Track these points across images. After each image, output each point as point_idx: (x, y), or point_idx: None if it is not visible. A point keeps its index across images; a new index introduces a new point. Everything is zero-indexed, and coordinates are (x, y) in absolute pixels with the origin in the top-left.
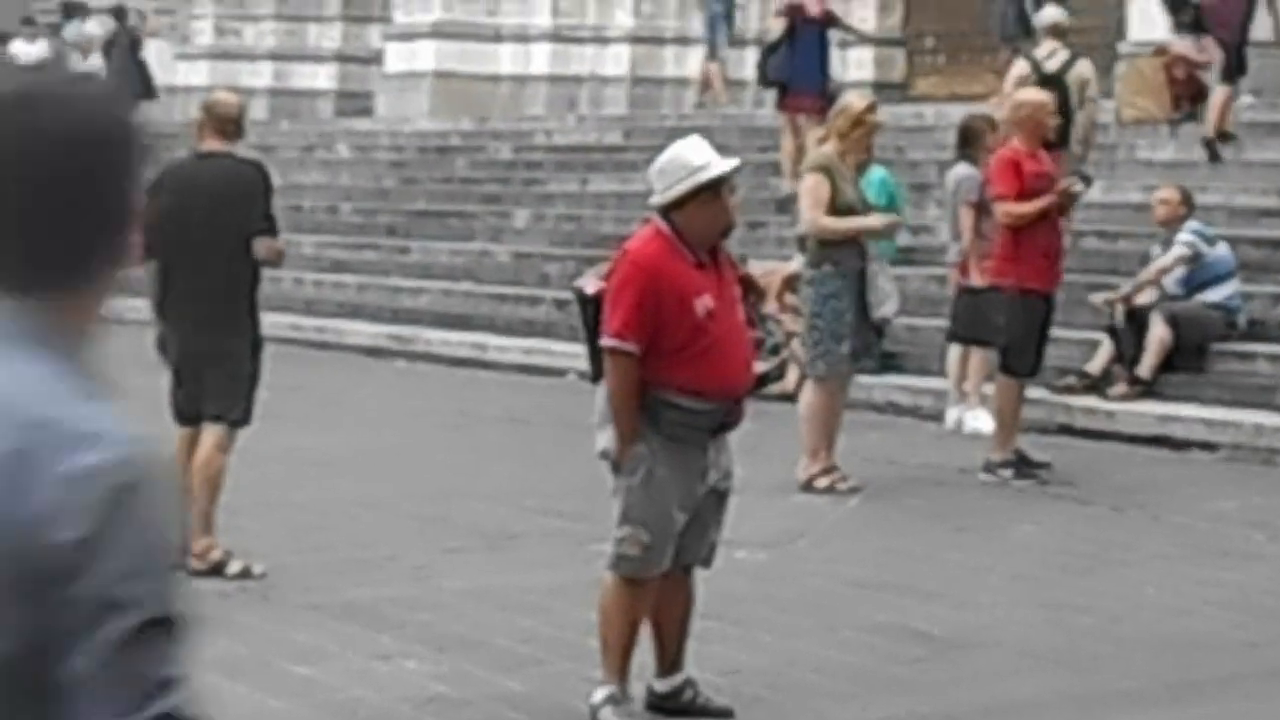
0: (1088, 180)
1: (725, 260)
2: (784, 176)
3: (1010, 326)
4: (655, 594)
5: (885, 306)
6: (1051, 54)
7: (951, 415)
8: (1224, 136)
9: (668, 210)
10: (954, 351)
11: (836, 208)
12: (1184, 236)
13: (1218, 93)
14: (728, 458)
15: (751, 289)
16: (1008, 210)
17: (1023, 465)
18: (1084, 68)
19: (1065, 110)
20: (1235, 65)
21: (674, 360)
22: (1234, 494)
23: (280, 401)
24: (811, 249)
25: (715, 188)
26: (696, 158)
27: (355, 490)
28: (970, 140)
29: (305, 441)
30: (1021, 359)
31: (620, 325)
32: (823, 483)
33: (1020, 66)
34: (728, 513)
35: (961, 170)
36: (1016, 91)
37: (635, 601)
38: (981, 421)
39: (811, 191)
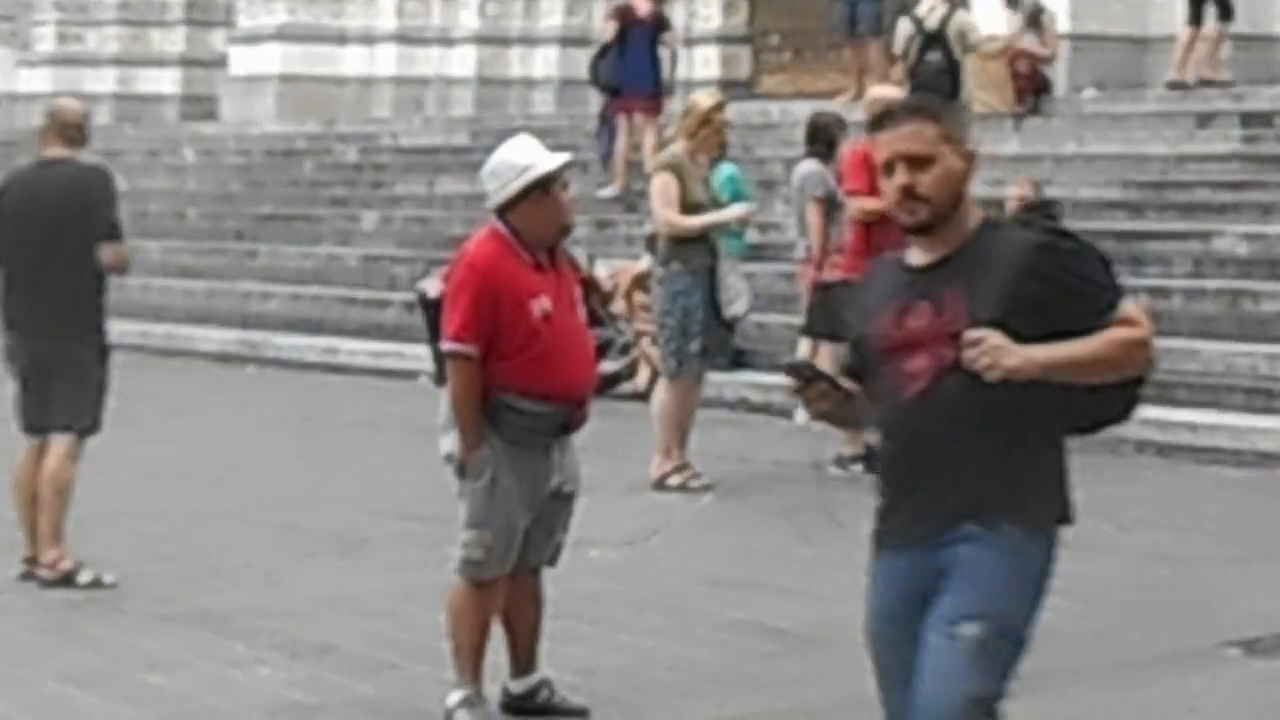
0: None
1: (564, 261)
2: (616, 177)
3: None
4: (503, 595)
5: (736, 304)
6: (931, 10)
7: (801, 412)
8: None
9: (503, 211)
10: (804, 346)
11: (686, 207)
12: None
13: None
14: (573, 460)
15: (594, 289)
16: (859, 205)
17: (873, 460)
18: (962, 18)
19: (951, 64)
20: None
21: (513, 363)
22: (1082, 484)
23: (129, 409)
24: (661, 248)
25: (545, 186)
26: (523, 157)
27: (207, 498)
28: (817, 136)
29: (155, 449)
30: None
31: (458, 328)
32: (675, 481)
33: (904, 26)
34: (575, 514)
35: (807, 166)
36: (871, 89)
37: (483, 603)
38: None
39: (661, 191)
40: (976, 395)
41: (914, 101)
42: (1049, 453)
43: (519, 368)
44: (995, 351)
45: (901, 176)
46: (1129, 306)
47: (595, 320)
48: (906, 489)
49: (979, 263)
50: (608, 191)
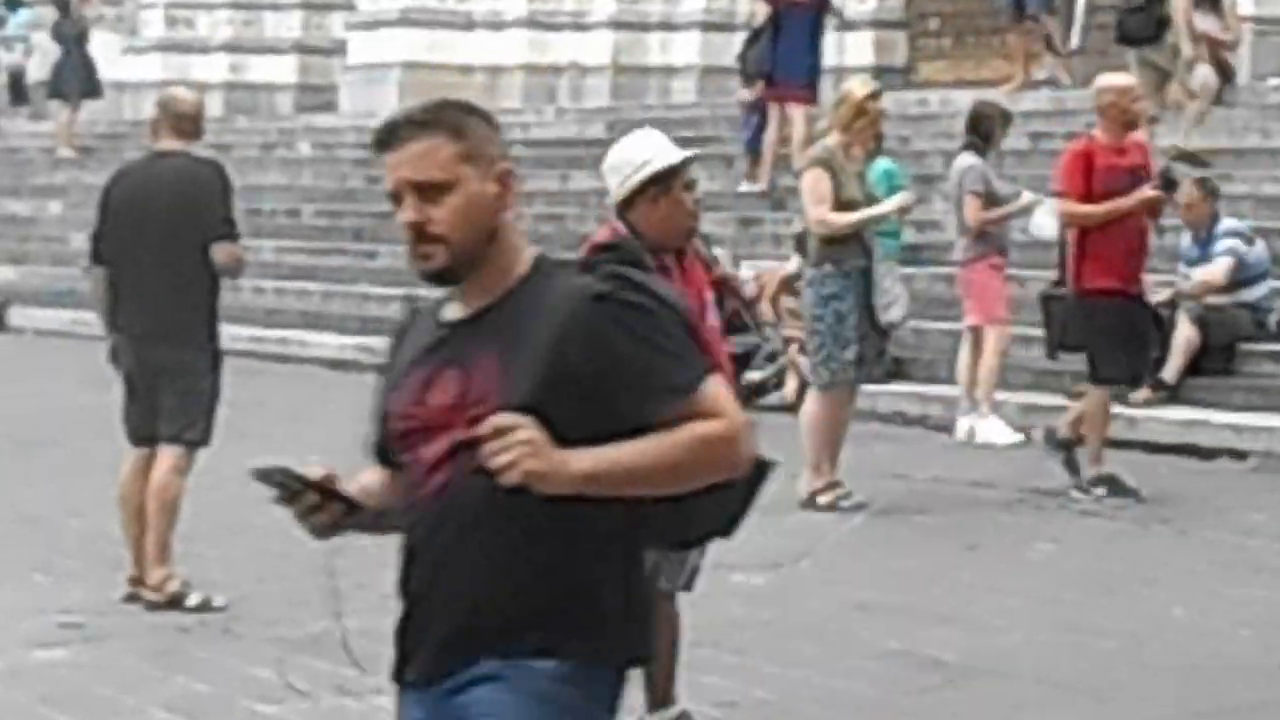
0: (1170, 184)
1: (695, 261)
2: (763, 171)
3: (1087, 331)
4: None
5: (893, 309)
6: None
7: (963, 425)
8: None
9: (622, 209)
10: (964, 356)
11: (839, 204)
12: (1227, 243)
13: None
14: None
15: (729, 291)
16: (1066, 210)
17: (1115, 485)
18: None
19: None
20: None
21: None
22: (1266, 505)
23: (241, 419)
24: (812, 248)
25: (665, 183)
26: (642, 152)
27: None
28: (977, 127)
29: (267, 462)
30: (1107, 366)
31: None
32: (825, 499)
33: None
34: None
35: (964, 160)
36: (1099, 77)
37: None
38: (994, 432)
39: (812, 188)
40: (505, 498)
41: (421, 113)
42: (610, 572)
43: None
44: (520, 449)
45: (409, 211)
46: (712, 388)
47: (738, 326)
48: (422, 613)
49: (519, 320)
50: (751, 187)
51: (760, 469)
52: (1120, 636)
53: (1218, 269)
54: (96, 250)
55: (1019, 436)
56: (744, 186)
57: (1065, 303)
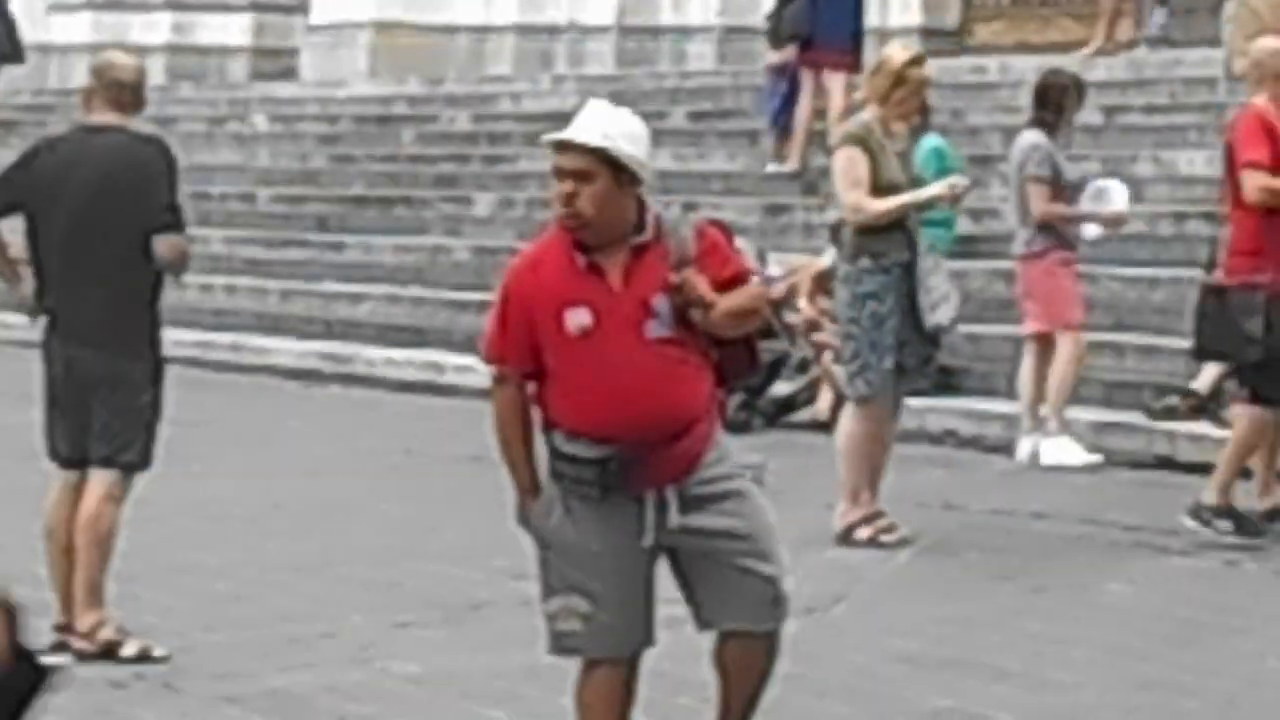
0: None
1: (656, 255)
2: (794, 149)
3: (1269, 338)
4: (628, 680)
5: (940, 310)
6: None
7: (1025, 446)
8: None
9: None
10: (1026, 366)
11: (878, 189)
12: None
13: None
14: (703, 494)
15: (689, 297)
16: (1262, 185)
17: (1243, 522)
18: None
19: None
20: None
21: (552, 390)
22: None
23: (186, 439)
24: (847, 239)
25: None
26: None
27: (281, 551)
28: (1047, 100)
29: (217, 490)
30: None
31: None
32: (864, 533)
33: None
34: (759, 555)
35: (1029, 137)
36: (1257, 41)
37: (598, 689)
38: (1066, 453)
39: (846, 170)
40: None
41: None
42: None
43: (556, 396)
44: None
45: None
46: None
47: (763, 331)
48: None
49: None
50: (779, 168)
51: None
52: (1206, 694)
53: None
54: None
55: (1095, 457)
56: (771, 167)
57: (1227, 300)
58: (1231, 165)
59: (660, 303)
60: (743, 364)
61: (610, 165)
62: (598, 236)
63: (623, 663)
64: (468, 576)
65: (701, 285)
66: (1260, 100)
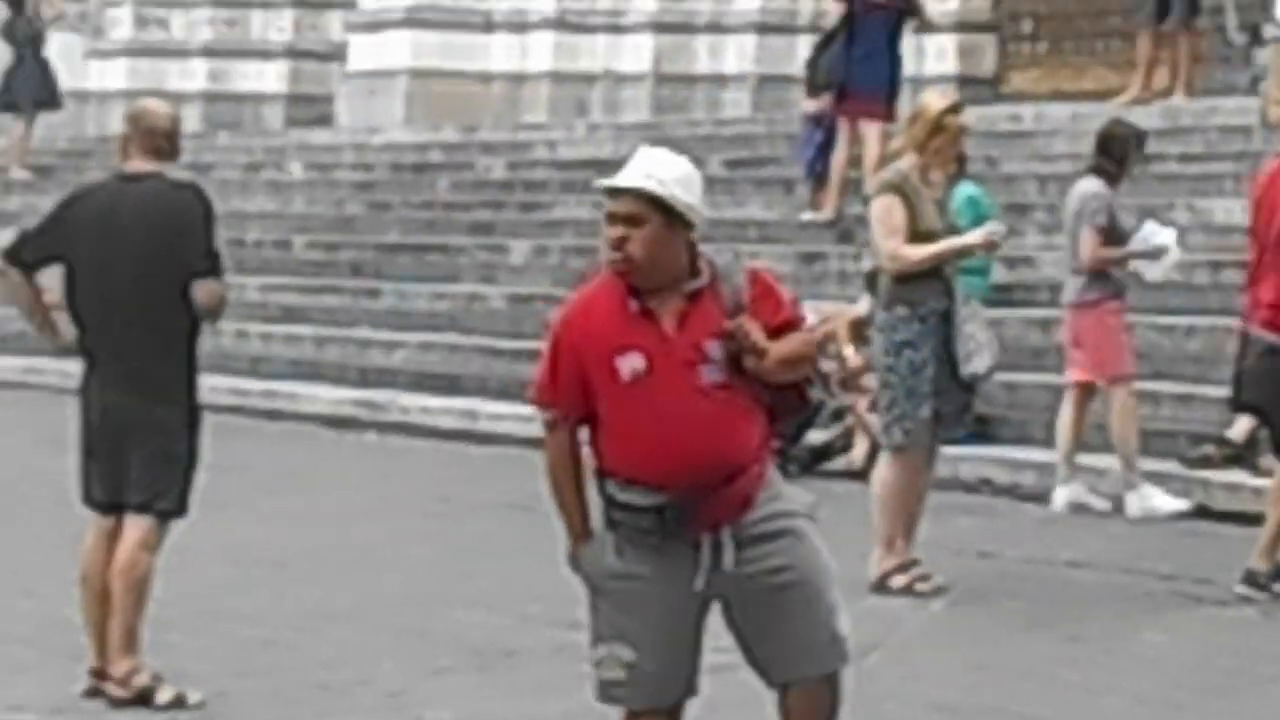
0: None
1: (711, 302)
2: (830, 197)
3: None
4: None
5: (977, 359)
6: None
7: (1061, 495)
8: None
9: None
10: (1066, 415)
11: (915, 236)
12: None
13: None
14: (757, 536)
15: (742, 344)
16: None
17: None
18: None
19: None
20: None
21: (606, 436)
22: None
23: (222, 486)
24: (883, 287)
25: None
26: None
27: (314, 598)
28: (1109, 149)
29: (252, 536)
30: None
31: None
32: (899, 581)
33: None
34: (815, 599)
35: (1088, 185)
36: None
37: None
38: (1157, 499)
39: (884, 217)
40: None
41: None
42: None
43: (609, 442)
44: None
45: None
46: None
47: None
48: None
49: None
50: (815, 216)
51: None
52: None
53: None
54: (17, 250)
55: (1183, 504)
56: (806, 215)
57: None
58: (1270, 213)
59: (713, 348)
60: (794, 405)
61: (661, 210)
62: (648, 280)
63: (663, 713)
64: (502, 623)
65: (755, 332)
66: None
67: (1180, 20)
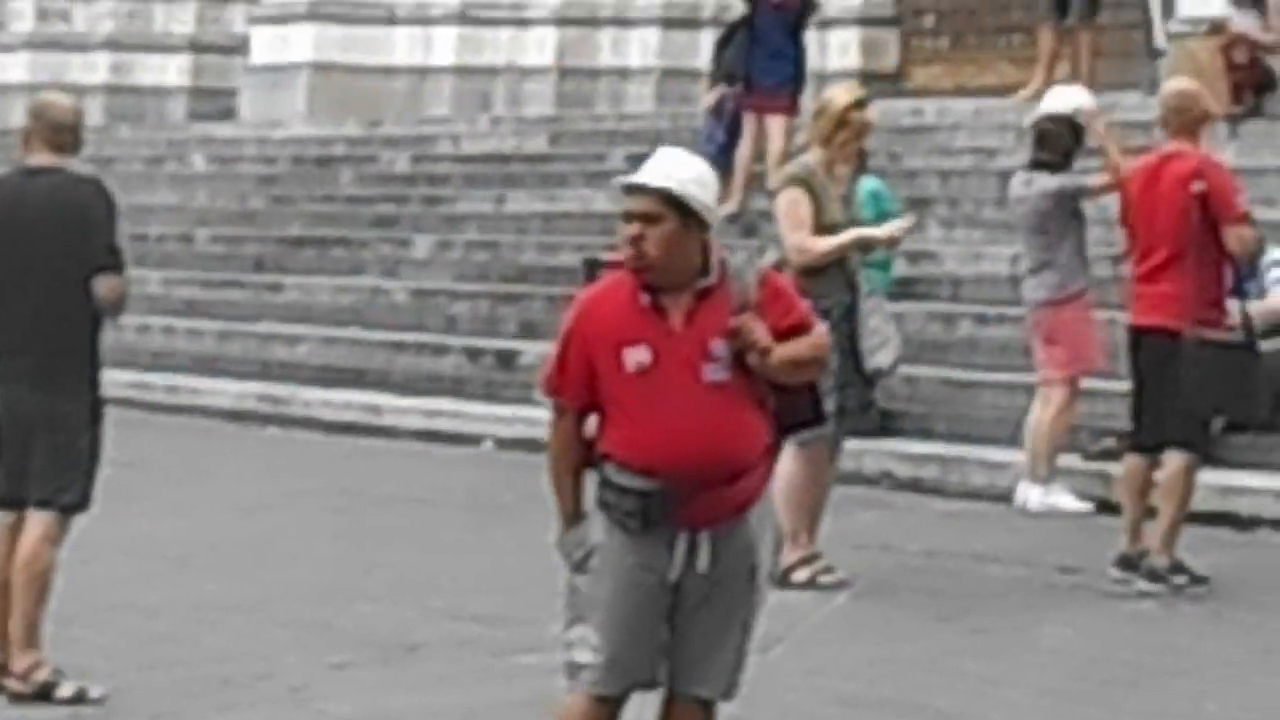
0: None
1: (720, 300)
2: (734, 191)
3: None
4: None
5: (882, 354)
6: None
7: (1031, 496)
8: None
9: None
10: (1036, 412)
11: (820, 230)
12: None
13: None
14: (732, 551)
15: (745, 342)
16: (1244, 235)
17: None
18: None
19: None
20: None
21: (610, 423)
22: None
23: (124, 480)
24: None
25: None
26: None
27: (217, 591)
28: (1049, 145)
29: (154, 530)
30: (1203, 427)
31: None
32: (803, 575)
33: None
34: (741, 627)
35: (1051, 181)
36: (1174, 85)
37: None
38: (1063, 498)
39: (789, 210)
40: None
41: None
42: None
43: (613, 429)
44: None
45: None
46: None
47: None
48: None
49: None
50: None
51: None
52: None
53: (1278, 297)
54: None
55: (1086, 505)
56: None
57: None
58: (1178, 210)
59: (719, 347)
60: (804, 413)
61: (678, 209)
62: (662, 279)
63: (610, 702)
64: (404, 616)
65: (759, 330)
66: (1186, 146)
67: (1081, 15)
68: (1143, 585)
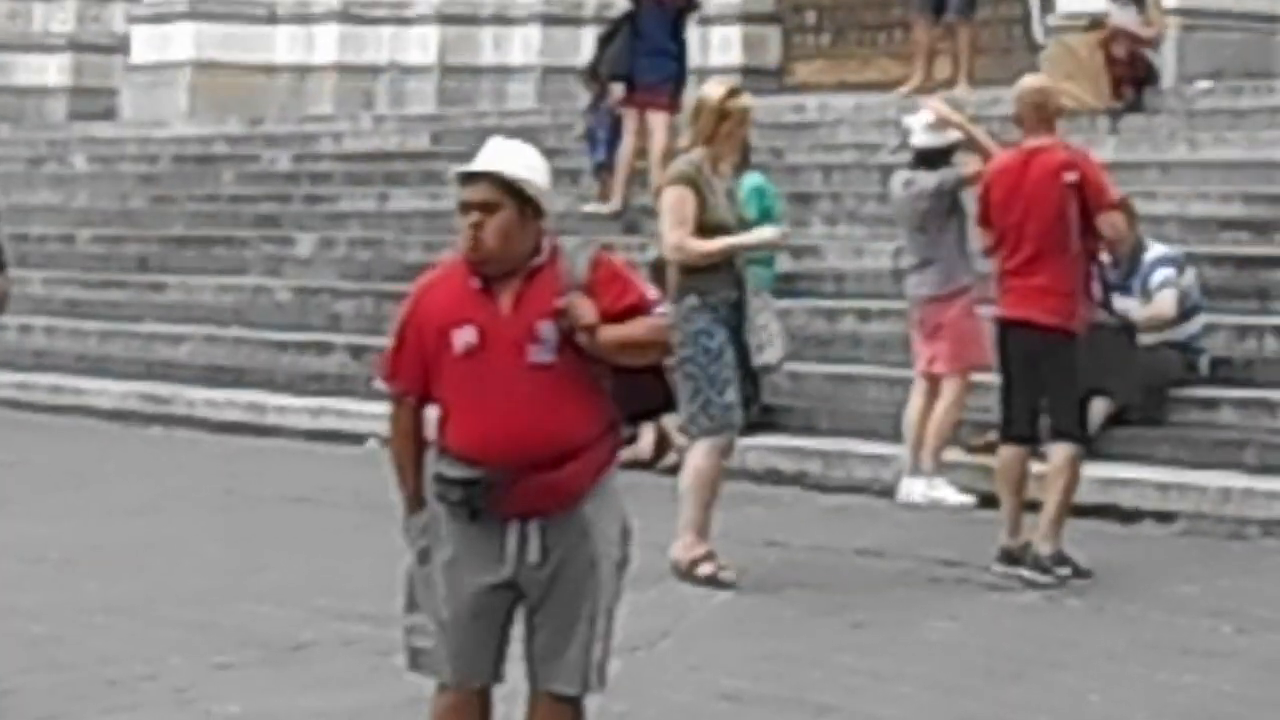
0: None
1: (549, 285)
2: (616, 189)
3: (1069, 376)
4: (480, 713)
5: (769, 350)
6: None
7: (914, 490)
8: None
9: None
10: (914, 406)
11: (706, 228)
12: (1163, 273)
13: None
14: (571, 542)
15: (572, 322)
16: (1116, 221)
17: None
18: None
19: None
20: None
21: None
22: (1195, 576)
23: (6, 481)
24: (674, 278)
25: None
26: None
27: (101, 593)
28: (949, 151)
29: (37, 532)
30: (1082, 418)
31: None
32: (706, 570)
33: None
34: (589, 621)
35: (930, 178)
36: (1026, 82)
37: (446, 714)
38: (946, 491)
39: (673, 209)
40: None
41: None
42: None
43: (444, 419)
44: None
45: None
46: None
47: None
48: None
49: None
50: (597, 207)
51: None
52: None
53: (1165, 302)
54: None
55: (969, 499)
56: (590, 207)
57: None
58: (1052, 202)
59: (546, 329)
60: (648, 398)
61: (516, 197)
62: (499, 268)
63: (470, 694)
64: (289, 616)
65: (584, 307)
66: (1049, 139)
67: (959, 11)
68: (1027, 574)
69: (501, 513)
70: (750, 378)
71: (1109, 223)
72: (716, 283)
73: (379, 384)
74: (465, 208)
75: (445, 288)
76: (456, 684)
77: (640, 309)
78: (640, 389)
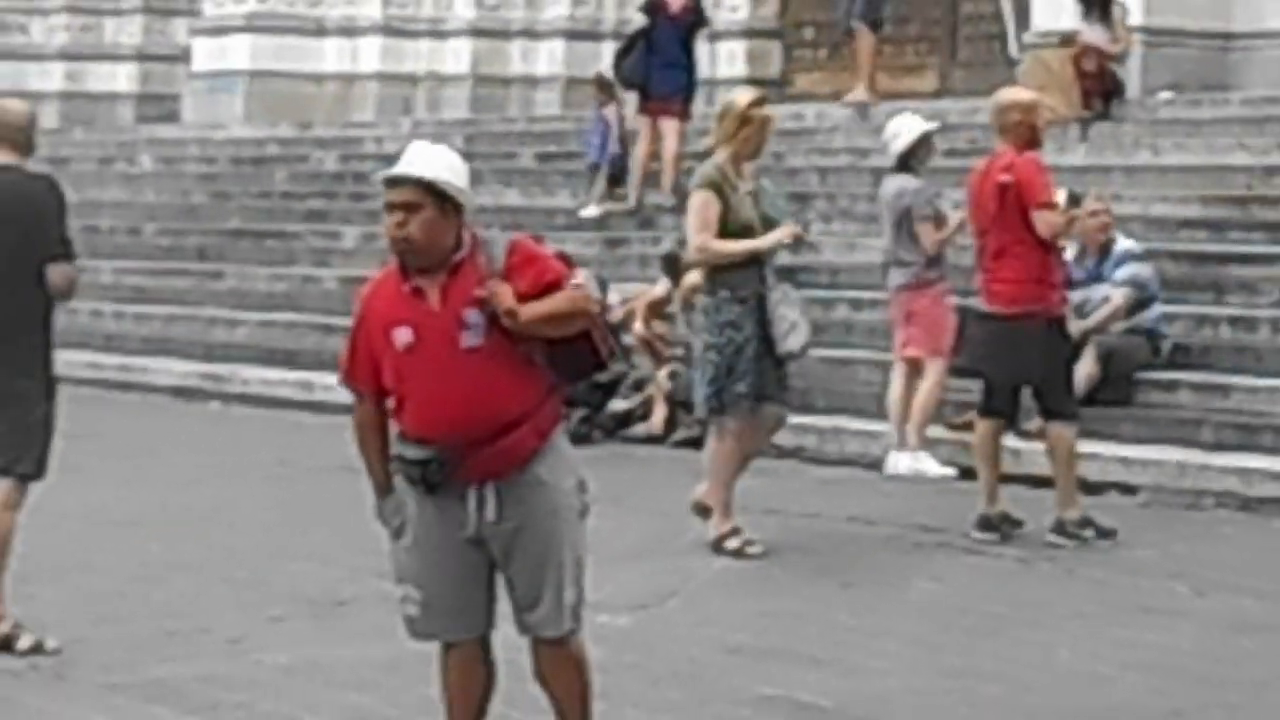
0: (1075, 199)
1: (473, 276)
2: (633, 187)
3: (1048, 362)
4: (472, 663)
5: (792, 338)
6: None
7: (900, 463)
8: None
9: None
10: (896, 387)
11: (729, 229)
12: (1131, 269)
13: None
14: (521, 501)
15: (495, 307)
16: (1052, 220)
17: (1076, 526)
18: None
19: None
20: None
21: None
22: (1155, 542)
23: (77, 451)
24: (704, 274)
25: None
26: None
27: (162, 553)
28: (914, 148)
29: (105, 497)
30: (1070, 399)
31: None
32: (733, 544)
33: None
34: (556, 567)
35: (911, 182)
36: (999, 92)
37: (448, 670)
38: (923, 464)
39: (699, 211)
40: None
41: None
42: None
43: (397, 406)
44: None
45: None
46: None
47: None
48: None
49: None
50: (591, 210)
51: None
52: (1003, 681)
53: (1118, 300)
54: None
55: (950, 470)
56: (589, 211)
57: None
58: (1002, 204)
59: (472, 315)
60: (581, 363)
61: (436, 196)
62: (425, 260)
63: (472, 644)
64: (333, 575)
65: (501, 292)
66: (1007, 146)
67: (861, 17)
68: (1052, 539)
69: (460, 481)
70: (777, 364)
71: (1041, 220)
72: (745, 278)
73: (341, 385)
74: (390, 208)
75: (383, 293)
76: (450, 637)
77: (558, 284)
78: (573, 355)
